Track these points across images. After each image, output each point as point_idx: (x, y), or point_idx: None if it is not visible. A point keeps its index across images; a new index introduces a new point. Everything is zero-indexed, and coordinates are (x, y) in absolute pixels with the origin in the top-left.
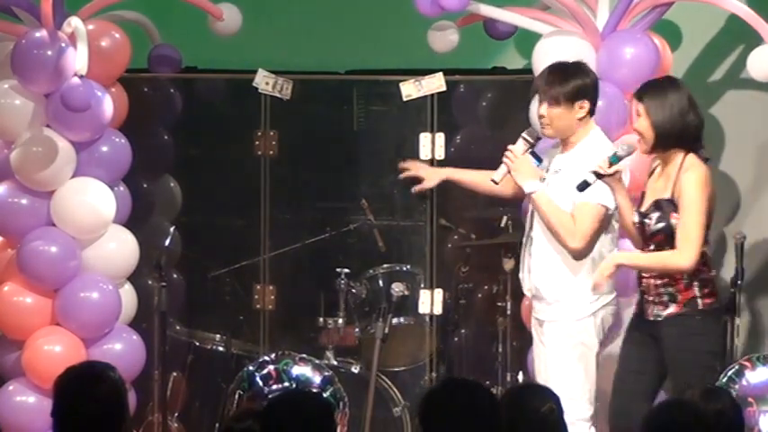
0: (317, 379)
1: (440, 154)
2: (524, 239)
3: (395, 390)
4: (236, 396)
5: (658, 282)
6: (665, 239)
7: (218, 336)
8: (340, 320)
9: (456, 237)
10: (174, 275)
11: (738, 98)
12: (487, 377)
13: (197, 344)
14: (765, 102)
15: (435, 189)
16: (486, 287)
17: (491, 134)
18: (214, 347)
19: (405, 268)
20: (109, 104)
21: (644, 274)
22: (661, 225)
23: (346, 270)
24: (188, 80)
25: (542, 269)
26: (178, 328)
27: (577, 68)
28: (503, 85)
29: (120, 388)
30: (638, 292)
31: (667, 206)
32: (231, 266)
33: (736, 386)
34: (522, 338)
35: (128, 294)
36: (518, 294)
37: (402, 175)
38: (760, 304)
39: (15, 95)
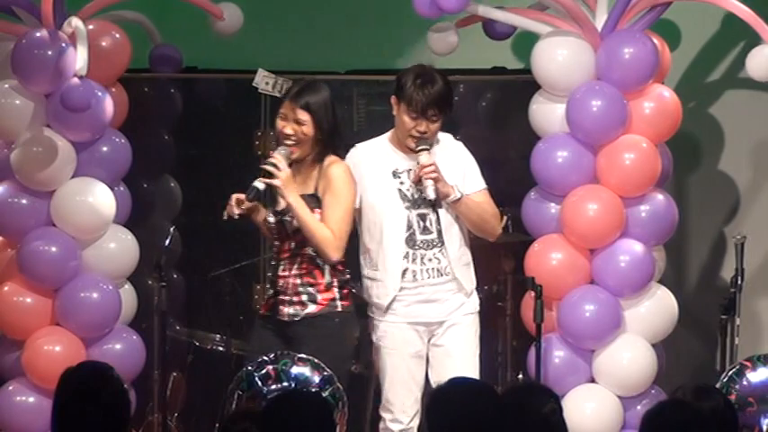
0: (316, 379)
1: None
2: (412, 241)
3: None
4: (236, 396)
5: (298, 281)
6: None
7: (218, 336)
8: None
9: None
10: (174, 275)
11: (737, 98)
12: (487, 377)
13: (197, 344)
14: (764, 101)
15: None
16: (486, 287)
17: (491, 134)
18: (214, 347)
19: None
20: (109, 104)
21: (282, 273)
22: None
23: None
24: (188, 80)
25: (461, 262)
26: (178, 328)
27: (440, 73)
28: (502, 86)
29: (123, 390)
30: (270, 291)
31: (311, 202)
32: (231, 266)
33: (737, 386)
34: (522, 338)
35: (128, 294)
36: (518, 294)
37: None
38: (760, 304)
39: (15, 95)
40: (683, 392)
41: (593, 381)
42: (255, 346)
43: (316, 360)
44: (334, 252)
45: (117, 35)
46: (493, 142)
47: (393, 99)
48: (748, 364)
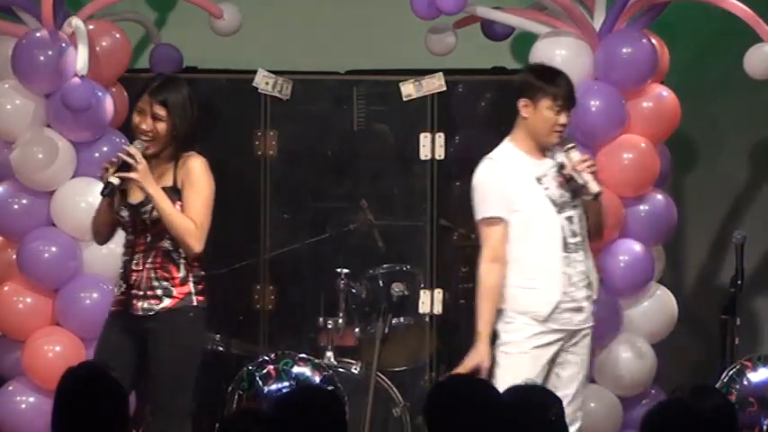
0: (317, 379)
1: (440, 153)
2: (564, 244)
3: (395, 390)
4: (237, 396)
5: (152, 275)
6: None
7: (218, 336)
8: (340, 320)
9: (456, 237)
10: None
11: (736, 98)
12: (488, 377)
13: None
14: (763, 101)
15: (435, 189)
16: None
17: (491, 134)
18: (214, 347)
19: (405, 268)
20: (109, 104)
21: (135, 268)
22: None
23: (346, 270)
24: (188, 80)
25: (593, 272)
26: None
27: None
28: (502, 85)
29: (122, 390)
30: (120, 287)
31: (172, 194)
32: (231, 266)
33: (737, 386)
34: None
35: None
36: None
37: None
38: (760, 304)
39: (15, 95)
40: (683, 392)
41: (593, 381)
42: (100, 348)
43: (316, 360)
44: (197, 243)
45: (117, 35)
46: (493, 142)
47: (523, 102)
48: (748, 364)
